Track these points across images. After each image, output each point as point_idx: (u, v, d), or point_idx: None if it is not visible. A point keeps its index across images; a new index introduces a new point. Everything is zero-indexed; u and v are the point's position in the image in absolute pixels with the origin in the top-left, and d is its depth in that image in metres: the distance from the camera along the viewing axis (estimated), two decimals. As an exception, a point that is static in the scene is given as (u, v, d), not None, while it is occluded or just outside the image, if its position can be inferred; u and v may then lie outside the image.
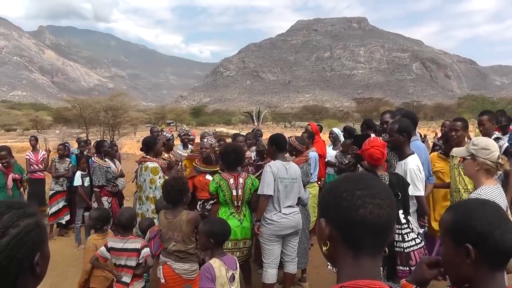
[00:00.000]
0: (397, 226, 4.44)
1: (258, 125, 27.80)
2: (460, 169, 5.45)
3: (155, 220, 6.13)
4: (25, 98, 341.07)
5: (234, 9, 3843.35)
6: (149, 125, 58.64)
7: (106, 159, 8.34)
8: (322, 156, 8.46)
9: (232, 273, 4.06)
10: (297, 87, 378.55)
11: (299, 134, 8.43)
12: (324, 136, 11.85)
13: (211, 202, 6.11)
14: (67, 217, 9.92)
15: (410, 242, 4.44)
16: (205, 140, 7.27)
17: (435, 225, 5.92)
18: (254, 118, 33.85)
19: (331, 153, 9.22)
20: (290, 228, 5.80)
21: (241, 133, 11.51)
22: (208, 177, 6.50)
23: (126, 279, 4.76)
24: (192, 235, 4.66)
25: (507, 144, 6.59)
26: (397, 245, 4.44)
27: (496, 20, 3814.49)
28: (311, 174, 7.29)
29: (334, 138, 9.66)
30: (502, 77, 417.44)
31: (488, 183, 3.64)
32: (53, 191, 9.79)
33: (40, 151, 10.65)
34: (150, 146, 6.96)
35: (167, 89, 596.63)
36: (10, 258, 1.43)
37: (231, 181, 5.64)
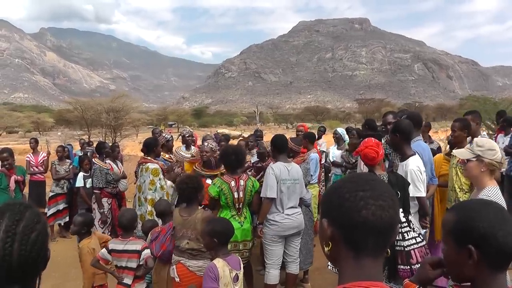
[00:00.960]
0: (397, 225, 4.45)
1: (258, 126, 27.87)
2: (458, 169, 5.47)
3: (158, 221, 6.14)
4: (26, 100, 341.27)
5: (235, 10, 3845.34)
6: (150, 126, 58.67)
7: (108, 161, 8.35)
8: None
9: (236, 273, 4.08)
10: (299, 88, 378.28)
11: (300, 135, 8.44)
12: (326, 137, 11.85)
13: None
14: (66, 219, 9.94)
15: (411, 240, 4.46)
16: (206, 143, 7.27)
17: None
18: (257, 118, 33.97)
19: (336, 153, 9.21)
20: (293, 229, 5.81)
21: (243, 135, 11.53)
22: (208, 181, 6.50)
23: (128, 280, 4.77)
24: None
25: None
26: (398, 244, 4.45)
27: (498, 21, 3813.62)
28: (312, 175, 7.30)
29: (338, 138, 9.64)
30: (504, 78, 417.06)
31: (492, 183, 3.66)
32: (53, 193, 9.83)
33: (41, 153, 10.67)
34: (150, 148, 6.97)
35: (169, 91, 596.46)
36: (38, 252, 1.52)
37: (233, 183, 5.65)
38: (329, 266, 4.41)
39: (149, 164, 6.81)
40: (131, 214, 5.20)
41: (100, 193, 8.00)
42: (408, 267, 4.34)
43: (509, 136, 8.92)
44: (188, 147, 8.89)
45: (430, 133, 8.87)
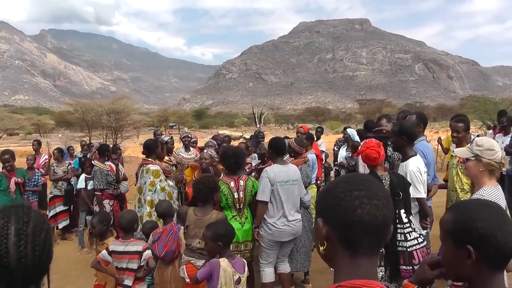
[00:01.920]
0: (399, 225, 4.50)
1: (259, 127, 27.83)
2: (459, 169, 5.47)
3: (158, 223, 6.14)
4: (27, 102, 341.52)
5: (236, 11, 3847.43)
6: (151, 128, 58.61)
7: (107, 163, 8.34)
8: (318, 156, 8.47)
9: (239, 276, 4.08)
10: (299, 89, 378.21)
11: (300, 136, 8.43)
12: (327, 137, 11.86)
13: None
14: (65, 223, 9.93)
15: (413, 241, 4.47)
16: (205, 150, 7.27)
17: None
18: (256, 119, 33.87)
19: (343, 154, 9.16)
20: (290, 236, 5.83)
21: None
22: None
23: (128, 282, 4.76)
24: None
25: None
26: (400, 244, 4.46)
27: (498, 21, 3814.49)
28: (311, 176, 7.30)
29: (347, 139, 9.53)
30: (505, 78, 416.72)
31: (490, 183, 3.65)
32: (51, 195, 9.84)
33: (43, 155, 10.67)
34: (151, 149, 6.97)
35: (170, 92, 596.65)
36: (48, 251, 1.56)
37: (232, 184, 5.66)
38: (331, 268, 4.40)
39: (150, 165, 6.81)
40: (131, 216, 5.19)
41: (102, 195, 8.00)
42: (410, 267, 4.35)
43: (509, 136, 8.90)
44: (187, 149, 8.89)
45: (431, 133, 8.85)
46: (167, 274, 5.17)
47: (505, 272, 1.91)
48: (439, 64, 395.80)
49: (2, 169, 7.42)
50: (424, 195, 4.92)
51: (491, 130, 12.90)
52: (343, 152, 9.23)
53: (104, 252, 4.84)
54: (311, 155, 7.69)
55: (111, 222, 8.07)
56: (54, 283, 7.10)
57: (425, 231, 4.97)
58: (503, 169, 7.53)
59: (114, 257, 4.79)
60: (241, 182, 5.72)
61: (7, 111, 73.16)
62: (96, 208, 8.09)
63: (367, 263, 1.42)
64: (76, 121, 34.94)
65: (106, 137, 26.39)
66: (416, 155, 5.07)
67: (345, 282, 1.36)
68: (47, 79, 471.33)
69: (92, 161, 8.64)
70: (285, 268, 6.08)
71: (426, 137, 6.28)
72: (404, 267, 4.40)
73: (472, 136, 6.26)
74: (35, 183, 8.88)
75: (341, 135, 12.60)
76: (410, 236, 4.46)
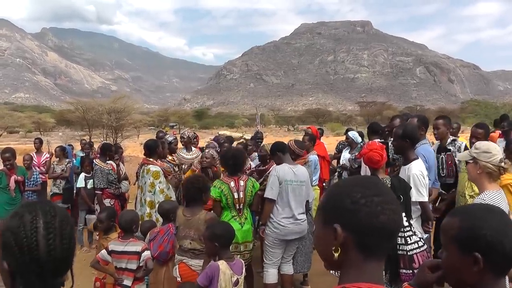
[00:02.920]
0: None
1: (258, 128, 27.91)
2: None
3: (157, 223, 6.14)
4: (27, 100, 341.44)
5: (237, 12, 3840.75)
6: (152, 127, 58.64)
7: (108, 162, 8.34)
8: (324, 158, 8.44)
9: (237, 278, 4.07)
10: (300, 91, 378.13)
11: (301, 138, 8.42)
12: (327, 139, 11.84)
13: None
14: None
15: (413, 245, 4.46)
16: (207, 150, 7.27)
17: None
18: (258, 120, 33.99)
19: (346, 156, 9.15)
20: (295, 234, 5.82)
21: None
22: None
23: (127, 282, 4.76)
24: None
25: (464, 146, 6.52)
26: (400, 248, 4.46)
27: (499, 25, 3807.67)
28: (312, 177, 7.29)
29: (350, 142, 9.48)
30: (506, 82, 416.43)
31: (491, 187, 3.65)
32: (51, 193, 9.83)
33: (44, 153, 10.68)
34: (152, 150, 6.96)
35: (170, 92, 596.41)
36: (74, 243, 1.65)
37: (232, 184, 5.68)
38: (331, 271, 4.40)
39: (150, 166, 6.80)
40: (131, 216, 5.19)
41: (102, 194, 7.98)
42: (411, 271, 4.34)
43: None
44: (188, 149, 8.89)
45: (432, 137, 8.85)
46: (161, 274, 5.17)
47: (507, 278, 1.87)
48: (440, 67, 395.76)
49: (3, 167, 7.42)
50: (426, 199, 4.93)
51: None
52: (346, 154, 9.22)
53: (103, 251, 4.84)
54: (313, 156, 7.68)
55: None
56: (53, 282, 7.12)
57: (426, 235, 4.97)
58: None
59: (114, 256, 4.79)
60: (241, 183, 5.74)
61: (7, 109, 73.24)
62: (97, 207, 8.08)
63: (377, 266, 1.45)
64: (77, 120, 34.94)
65: (106, 136, 26.39)
66: (417, 158, 5.07)
67: (350, 284, 1.38)
68: (47, 77, 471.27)
69: (94, 160, 8.63)
70: (289, 269, 6.07)
71: (428, 140, 6.28)
72: (404, 270, 4.39)
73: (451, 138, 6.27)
74: (34, 182, 8.87)
75: (342, 138, 12.59)
76: (410, 240, 4.46)
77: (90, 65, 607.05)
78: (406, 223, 4.52)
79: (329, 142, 10.30)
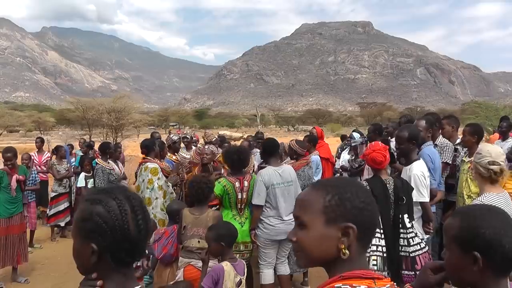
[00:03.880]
0: (402, 230, 4.49)
1: (259, 128, 27.99)
2: (468, 175, 5.50)
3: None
4: (27, 99, 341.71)
5: (238, 12, 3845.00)
6: (152, 127, 58.53)
7: (109, 161, 8.35)
8: (328, 159, 8.43)
9: (240, 279, 4.06)
10: (300, 91, 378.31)
11: (302, 138, 8.41)
12: (328, 140, 11.81)
13: (214, 208, 6.07)
14: (67, 219, 9.89)
15: (416, 246, 4.45)
16: (207, 146, 7.27)
17: None
18: (258, 120, 34.06)
19: (345, 158, 9.13)
20: (285, 234, 5.80)
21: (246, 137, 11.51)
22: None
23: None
24: None
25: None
26: (403, 249, 4.44)
27: (500, 27, 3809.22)
28: (313, 178, 7.29)
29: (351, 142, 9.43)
30: (506, 84, 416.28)
31: (492, 190, 3.66)
32: (56, 193, 9.78)
33: (45, 152, 10.70)
34: (150, 148, 6.96)
35: (171, 92, 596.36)
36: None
37: (237, 184, 5.67)
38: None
39: (148, 163, 6.81)
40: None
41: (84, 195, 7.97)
42: (413, 273, 4.33)
43: (507, 141, 8.80)
44: (188, 148, 8.93)
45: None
46: (165, 275, 5.15)
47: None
48: (441, 68, 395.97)
49: (4, 166, 7.41)
50: (427, 199, 4.91)
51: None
52: (345, 155, 9.20)
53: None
54: (314, 157, 7.68)
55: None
56: (54, 281, 7.13)
57: (427, 236, 4.97)
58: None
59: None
60: (246, 183, 5.73)
61: (7, 108, 73.14)
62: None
63: (363, 255, 1.57)
64: (77, 119, 35.00)
65: (106, 136, 26.37)
66: (419, 159, 5.07)
67: (346, 273, 1.45)
68: (48, 76, 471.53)
69: (95, 159, 8.64)
70: (285, 270, 6.05)
71: (432, 142, 6.28)
72: (406, 272, 4.38)
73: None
74: (33, 181, 8.87)
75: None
76: (413, 241, 4.44)
77: (90, 64, 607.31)
78: (409, 225, 4.51)
79: (329, 143, 10.26)
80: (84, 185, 8.92)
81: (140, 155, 7.55)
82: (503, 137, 8.97)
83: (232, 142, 10.39)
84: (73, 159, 11.10)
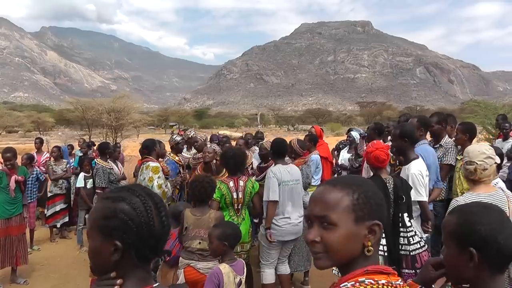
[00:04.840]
0: (402, 229, 4.51)
1: (260, 127, 27.98)
2: (460, 173, 5.56)
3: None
4: (27, 99, 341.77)
5: (238, 11, 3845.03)
6: (152, 127, 58.53)
7: (109, 161, 8.34)
8: (327, 158, 8.42)
9: (240, 279, 4.05)
10: (300, 90, 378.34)
11: (302, 138, 8.38)
12: (327, 139, 11.81)
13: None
14: (64, 220, 9.88)
15: (416, 245, 4.47)
16: (209, 145, 7.26)
17: None
18: (259, 120, 34.05)
19: (345, 156, 9.09)
20: (291, 235, 5.84)
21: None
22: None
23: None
24: None
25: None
26: (403, 248, 4.46)
27: (499, 26, 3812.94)
28: (312, 176, 7.28)
29: (351, 142, 9.40)
30: (505, 83, 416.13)
31: (475, 189, 3.77)
32: (51, 193, 9.77)
33: (44, 153, 10.69)
34: (151, 148, 6.95)
35: (170, 92, 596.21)
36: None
37: (231, 184, 5.69)
38: (333, 270, 4.38)
39: (150, 162, 6.80)
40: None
41: (102, 193, 7.97)
42: (413, 271, 4.34)
43: (508, 141, 8.81)
44: (189, 148, 8.92)
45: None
46: (170, 276, 5.14)
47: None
48: (440, 68, 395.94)
49: (4, 167, 7.40)
50: (425, 198, 4.92)
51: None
52: (344, 154, 9.17)
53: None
54: (314, 156, 7.66)
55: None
56: (53, 282, 7.11)
57: (426, 235, 4.97)
58: (504, 174, 7.50)
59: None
60: (241, 183, 5.74)
61: (6, 108, 73.12)
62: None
63: (377, 251, 1.59)
64: (76, 120, 34.93)
65: (106, 136, 26.34)
66: (418, 158, 5.07)
67: (371, 267, 1.49)
68: (47, 76, 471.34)
69: (95, 159, 8.63)
70: (285, 269, 6.08)
71: (427, 140, 6.28)
72: (406, 270, 4.39)
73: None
74: (35, 176, 8.89)
75: (341, 137, 12.54)
76: (413, 240, 4.46)
77: (89, 64, 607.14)
78: (408, 223, 4.52)
79: (329, 142, 10.23)
80: (83, 185, 8.91)
81: (139, 155, 7.53)
82: (504, 137, 8.98)
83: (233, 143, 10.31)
84: (72, 160, 11.07)
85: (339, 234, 1.51)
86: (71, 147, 12.78)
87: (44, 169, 10.13)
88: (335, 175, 9.42)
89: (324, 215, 1.52)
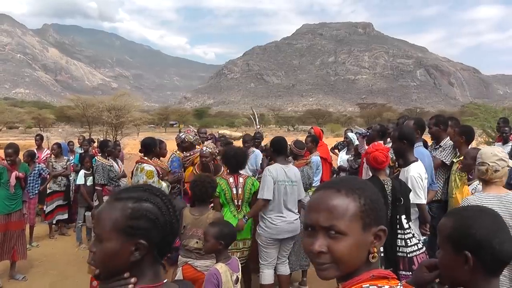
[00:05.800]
0: (399, 231, 4.51)
1: (258, 128, 27.87)
2: (457, 176, 5.67)
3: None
4: (27, 96, 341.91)
5: (239, 11, 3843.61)
6: (152, 125, 58.45)
7: (109, 159, 8.35)
8: (326, 159, 8.44)
9: (236, 276, 4.06)
10: (301, 91, 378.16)
11: (302, 138, 8.40)
12: (327, 140, 11.83)
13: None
14: (63, 216, 9.89)
15: (413, 247, 4.48)
16: (205, 148, 7.26)
17: None
18: (257, 120, 33.89)
19: (343, 158, 9.11)
20: (287, 233, 5.83)
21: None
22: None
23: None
24: None
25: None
26: (400, 250, 4.47)
27: (500, 29, 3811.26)
28: (313, 178, 7.29)
29: (348, 143, 9.44)
30: (505, 87, 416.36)
31: (486, 190, 3.78)
32: (50, 190, 9.77)
33: (45, 150, 10.68)
34: (149, 148, 6.88)
35: (171, 90, 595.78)
36: None
37: (231, 180, 5.74)
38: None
39: (144, 165, 6.70)
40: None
41: (102, 190, 7.98)
42: (410, 273, 4.34)
43: (508, 145, 8.78)
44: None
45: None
46: (170, 273, 5.16)
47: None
48: (441, 70, 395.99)
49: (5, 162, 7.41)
50: (424, 201, 4.93)
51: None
52: (343, 156, 9.19)
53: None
54: (315, 157, 7.68)
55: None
56: (52, 279, 7.13)
57: (423, 237, 4.98)
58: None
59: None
60: (241, 179, 5.79)
61: (7, 104, 73.01)
62: (96, 204, 8.08)
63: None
64: (77, 117, 34.87)
65: (106, 134, 26.34)
66: (417, 160, 5.08)
67: (376, 272, 1.44)
68: (48, 73, 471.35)
69: (95, 157, 8.64)
70: (285, 270, 6.06)
71: (423, 143, 6.32)
72: (403, 272, 4.40)
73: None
74: (37, 172, 8.92)
75: (341, 138, 12.55)
76: (410, 242, 4.47)
77: (91, 62, 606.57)
78: (406, 225, 4.54)
79: (329, 143, 10.23)
80: (83, 182, 8.91)
81: (139, 153, 7.52)
82: (504, 140, 8.97)
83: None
84: (72, 157, 11.07)
85: (349, 243, 1.42)
86: (71, 144, 12.79)
87: (44, 166, 10.14)
88: (334, 175, 9.45)
89: (331, 225, 1.42)
